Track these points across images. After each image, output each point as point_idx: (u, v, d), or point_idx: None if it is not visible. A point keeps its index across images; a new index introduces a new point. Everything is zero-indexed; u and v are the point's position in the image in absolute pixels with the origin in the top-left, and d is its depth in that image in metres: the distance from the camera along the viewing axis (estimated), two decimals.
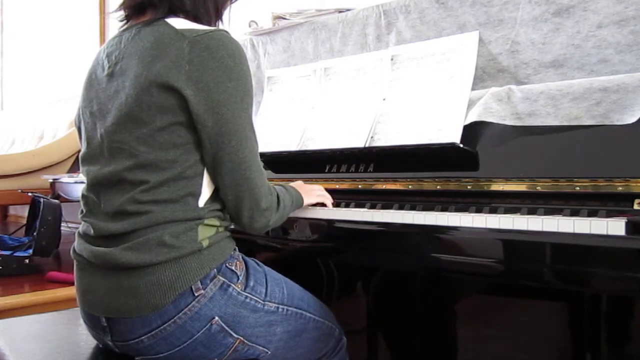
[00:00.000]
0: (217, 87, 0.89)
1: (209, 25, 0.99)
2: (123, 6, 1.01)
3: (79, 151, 1.05)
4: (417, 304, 1.46)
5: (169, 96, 0.89)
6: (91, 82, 1.01)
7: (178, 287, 0.90)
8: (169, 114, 0.90)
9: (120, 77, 0.94)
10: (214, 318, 0.93)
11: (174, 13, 0.96)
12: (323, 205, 1.19)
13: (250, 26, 1.86)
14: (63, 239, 2.41)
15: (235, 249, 1.01)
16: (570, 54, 1.17)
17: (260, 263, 1.06)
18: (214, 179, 0.96)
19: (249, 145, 0.93)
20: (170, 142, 0.91)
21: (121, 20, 1.02)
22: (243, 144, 0.92)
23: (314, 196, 1.17)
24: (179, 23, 0.94)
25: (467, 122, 1.13)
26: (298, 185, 1.17)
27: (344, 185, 1.27)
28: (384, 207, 1.11)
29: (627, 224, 0.80)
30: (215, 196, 0.97)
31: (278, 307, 1.01)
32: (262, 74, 1.77)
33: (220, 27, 1.03)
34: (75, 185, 2.34)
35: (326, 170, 1.32)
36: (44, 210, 2.28)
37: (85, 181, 1.01)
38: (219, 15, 1.04)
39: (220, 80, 0.89)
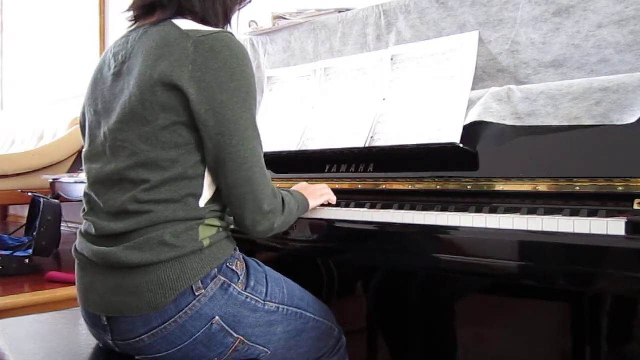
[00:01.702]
0: (219, 87, 0.89)
1: (217, 28, 0.99)
2: (133, 7, 1.02)
3: (80, 151, 1.05)
4: (417, 304, 1.46)
5: (172, 95, 0.89)
6: (97, 81, 1.02)
7: (179, 287, 0.90)
8: (172, 113, 0.90)
9: (126, 77, 0.95)
10: (214, 318, 0.93)
11: (182, 15, 0.97)
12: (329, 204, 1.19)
13: (250, 26, 1.86)
14: (63, 239, 2.41)
15: (236, 249, 1.01)
16: (570, 54, 1.17)
17: (260, 263, 1.06)
18: (217, 181, 0.96)
19: (250, 146, 0.93)
20: (172, 141, 0.91)
21: (130, 21, 1.03)
22: (245, 144, 0.92)
23: (319, 197, 1.16)
24: (185, 24, 0.94)
25: (467, 122, 1.13)
26: (302, 187, 1.16)
27: (344, 185, 1.27)
28: (384, 207, 1.11)
29: (627, 224, 0.80)
30: (216, 197, 0.97)
31: (278, 307, 1.01)
32: (262, 74, 1.77)
33: (228, 30, 1.04)
34: (75, 185, 2.34)
35: (326, 170, 1.32)
36: (44, 210, 2.28)
37: (87, 179, 1.01)
38: (227, 20, 1.04)
39: (222, 80, 0.89)
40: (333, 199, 1.19)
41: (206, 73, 0.89)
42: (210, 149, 0.92)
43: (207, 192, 0.95)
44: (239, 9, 1.08)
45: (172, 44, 0.90)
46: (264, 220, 0.95)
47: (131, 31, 1.00)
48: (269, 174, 0.98)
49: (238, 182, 0.92)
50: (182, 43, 0.90)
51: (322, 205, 1.19)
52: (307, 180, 1.32)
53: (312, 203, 1.13)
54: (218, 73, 0.89)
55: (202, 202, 0.95)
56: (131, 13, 1.02)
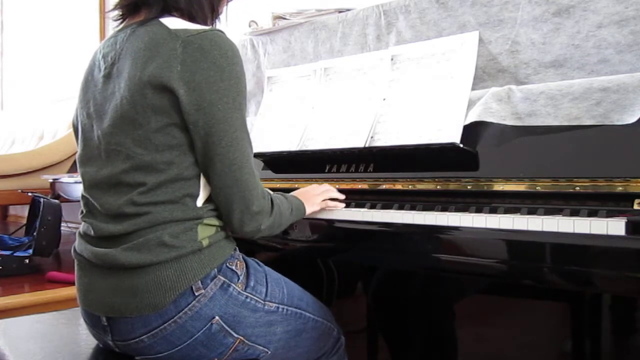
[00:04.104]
0: (208, 87, 0.88)
1: (205, 24, 0.98)
2: (118, 6, 1.00)
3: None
4: (417, 304, 1.46)
5: (163, 97, 0.89)
6: (88, 84, 1.01)
7: (178, 287, 0.90)
8: (164, 115, 0.89)
9: (116, 79, 0.94)
10: (214, 318, 0.93)
11: (169, 12, 0.96)
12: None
13: (250, 26, 1.86)
14: (63, 239, 2.41)
15: (235, 249, 1.01)
16: (570, 54, 1.17)
17: (260, 263, 1.06)
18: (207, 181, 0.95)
19: (240, 147, 0.92)
20: (166, 143, 0.90)
21: (116, 20, 1.01)
22: (234, 145, 0.91)
23: (317, 204, 1.14)
24: (173, 23, 0.93)
25: (467, 122, 1.13)
26: (302, 192, 1.14)
27: (344, 185, 1.27)
28: (384, 207, 1.11)
29: (627, 224, 0.80)
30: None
31: (278, 307, 1.01)
32: (262, 74, 1.77)
33: (217, 26, 1.03)
34: (75, 185, 2.34)
35: (326, 170, 1.32)
36: (44, 210, 2.28)
37: (83, 183, 1.01)
38: (215, 14, 1.03)
39: (211, 80, 0.88)
40: (335, 203, 1.16)
41: (195, 73, 0.88)
42: (199, 149, 0.91)
43: (204, 192, 0.95)
44: (227, 2, 1.06)
45: (160, 45, 0.90)
46: (251, 221, 0.95)
47: (119, 31, 0.98)
48: (269, 173, 0.98)
49: (226, 182, 0.92)
50: (170, 43, 0.89)
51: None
52: (307, 180, 1.32)
53: (309, 209, 1.12)
54: (207, 73, 0.88)
55: (200, 202, 0.94)
56: (117, 12, 1.01)
